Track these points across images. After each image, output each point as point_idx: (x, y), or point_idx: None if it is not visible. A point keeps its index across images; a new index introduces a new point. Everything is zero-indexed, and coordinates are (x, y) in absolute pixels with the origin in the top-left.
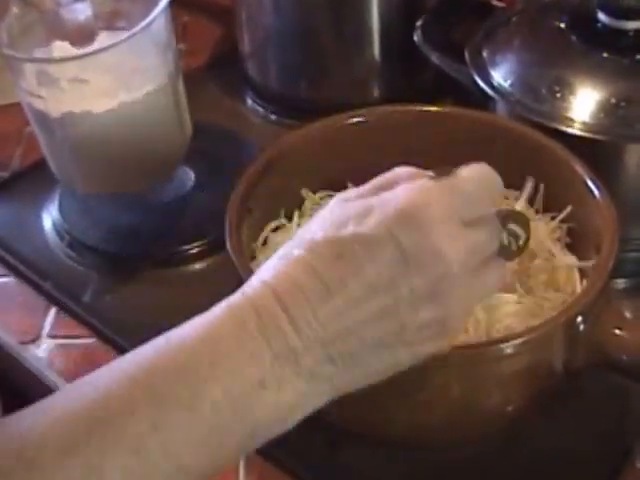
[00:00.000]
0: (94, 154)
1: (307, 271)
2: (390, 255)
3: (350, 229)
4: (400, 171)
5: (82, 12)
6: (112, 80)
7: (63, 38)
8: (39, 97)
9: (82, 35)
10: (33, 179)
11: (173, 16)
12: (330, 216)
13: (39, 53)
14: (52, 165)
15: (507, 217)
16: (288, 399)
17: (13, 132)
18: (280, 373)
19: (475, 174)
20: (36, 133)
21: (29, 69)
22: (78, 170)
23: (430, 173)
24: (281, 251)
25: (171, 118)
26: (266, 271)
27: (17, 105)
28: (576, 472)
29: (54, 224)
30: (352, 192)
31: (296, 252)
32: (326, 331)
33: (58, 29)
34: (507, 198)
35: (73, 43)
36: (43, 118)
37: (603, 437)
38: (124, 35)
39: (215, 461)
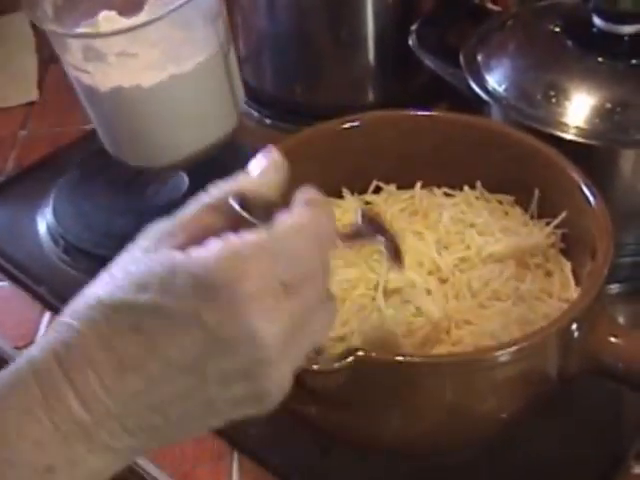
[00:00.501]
0: (145, 127)
1: (100, 343)
2: (194, 335)
3: (151, 297)
4: (212, 214)
5: None
6: (160, 53)
7: (110, 8)
8: (86, 72)
9: (130, 4)
10: (28, 183)
11: None
12: (134, 267)
13: (86, 25)
14: (102, 138)
15: (374, 230)
16: (83, 474)
17: (8, 136)
18: (71, 453)
19: (301, 220)
20: (85, 107)
21: (75, 44)
22: (129, 143)
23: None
24: (77, 302)
25: (222, 88)
26: (57, 334)
27: (11, 108)
28: (570, 478)
29: (49, 228)
30: (164, 230)
31: (91, 312)
32: (120, 407)
33: None
34: (501, 203)
35: (121, 13)
36: (91, 92)
37: (597, 442)
38: (172, 5)
39: None
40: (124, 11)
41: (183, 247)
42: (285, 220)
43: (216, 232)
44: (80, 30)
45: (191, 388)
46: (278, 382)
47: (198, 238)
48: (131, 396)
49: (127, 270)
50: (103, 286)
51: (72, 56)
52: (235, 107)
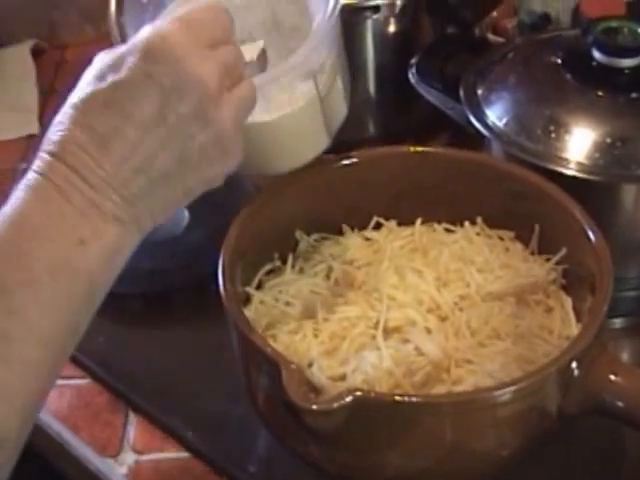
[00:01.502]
0: None
1: (83, 129)
2: (152, 92)
3: (109, 79)
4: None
5: None
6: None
7: None
8: None
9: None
10: None
11: None
12: (91, 72)
13: None
14: None
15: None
16: (108, 244)
17: (7, 169)
18: (91, 226)
19: (203, 5)
20: None
21: None
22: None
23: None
24: (58, 116)
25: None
26: (51, 142)
27: (11, 142)
28: None
29: None
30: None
31: (69, 112)
32: (114, 176)
33: None
34: (502, 239)
35: None
36: None
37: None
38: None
39: (72, 323)
40: None
41: None
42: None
43: None
44: None
45: (162, 140)
46: (229, 121)
47: None
48: (118, 164)
49: (86, 75)
50: (73, 95)
51: None
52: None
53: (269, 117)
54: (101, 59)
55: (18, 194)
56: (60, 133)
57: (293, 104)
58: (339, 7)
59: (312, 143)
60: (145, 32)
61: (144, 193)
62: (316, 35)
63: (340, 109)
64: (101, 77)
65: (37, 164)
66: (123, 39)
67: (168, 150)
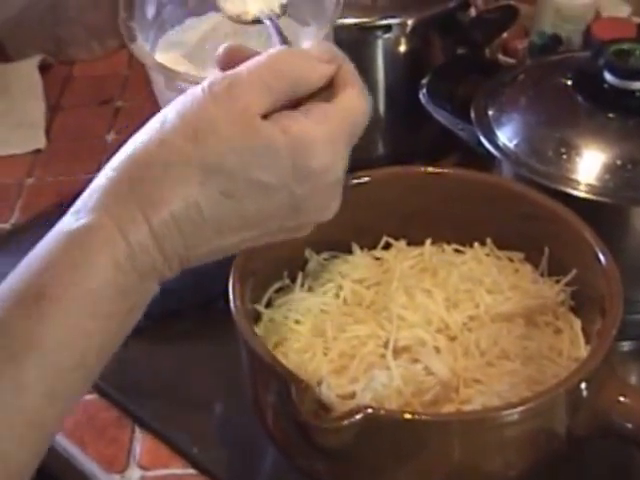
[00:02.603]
0: None
1: (187, 204)
2: (279, 203)
3: (248, 170)
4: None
5: None
6: None
7: (218, 10)
8: (167, 99)
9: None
10: (34, 232)
11: None
12: (231, 136)
13: (189, 24)
14: None
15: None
16: (146, 304)
17: (14, 184)
18: (146, 293)
19: (363, 114)
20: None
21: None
22: None
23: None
24: (165, 159)
25: None
26: (142, 190)
27: (18, 156)
28: None
29: None
30: (248, 88)
31: (182, 174)
32: (189, 253)
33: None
34: (511, 260)
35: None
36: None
37: None
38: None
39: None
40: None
41: (264, 113)
42: (351, 95)
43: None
44: (159, 62)
45: (250, 238)
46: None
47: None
48: (199, 248)
49: (220, 136)
50: (194, 146)
51: (156, 77)
52: None
53: None
54: (251, 118)
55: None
56: (162, 190)
57: None
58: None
59: None
60: (316, 135)
61: (198, 264)
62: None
63: None
64: (243, 161)
65: (112, 208)
66: (132, 40)
67: (248, 242)
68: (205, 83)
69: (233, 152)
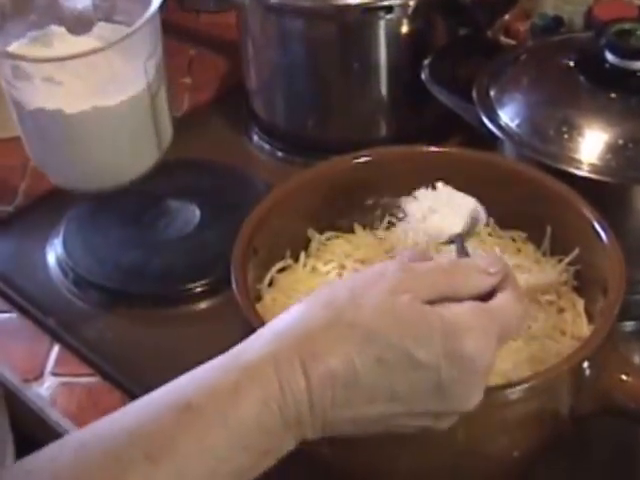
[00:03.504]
0: (63, 151)
1: (345, 360)
2: (427, 379)
3: (406, 340)
4: (473, 268)
5: (81, 1)
6: (85, 86)
7: (60, 23)
8: (14, 87)
9: (80, 23)
10: (37, 214)
11: (179, 50)
12: (392, 306)
13: (31, 37)
14: (27, 149)
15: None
16: (279, 457)
17: (17, 166)
18: (284, 442)
19: (517, 317)
20: (14, 118)
21: (5, 60)
22: (48, 162)
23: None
24: (331, 318)
25: (146, 126)
26: (306, 341)
27: (21, 139)
28: None
29: (58, 260)
30: (418, 281)
31: (344, 334)
32: (335, 414)
33: (55, 14)
34: (514, 239)
35: (70, 30)
36: (18, 107)
37: None
38: (115, 37)
39: None
40: (73, 29)
41: (425, 302)
42: (506, 298)
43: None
44: (7, 50)
45: (393, 415)
46: (449, 424)
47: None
48: (347, 408)
49: (384, 307)
50: (356, 312)
51: (3, 69)
52: (158, 147)
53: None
54: (412, 295)
55: (241, 378)
56: (323, 347)
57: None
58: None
59: (142, 147)
60: (473, 335)
61: (336, 433)
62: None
63: (168, 124)
64: (402, 334)
65: (280, 358)
66: None
67: (389, 422)
68: (388, 265)
69: (395, 324)
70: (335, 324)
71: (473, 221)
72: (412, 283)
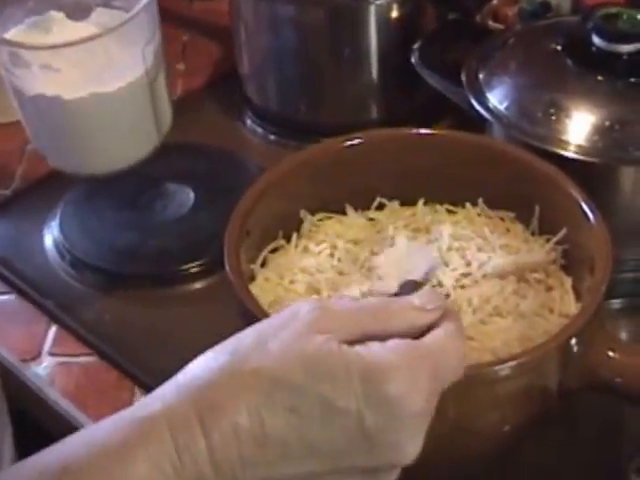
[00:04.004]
0: (63, 136)
1: (250, 412)
2: (348, 430)
3: (320, 386)
4: (394, 310)
5: None
6: (82, 73)
7: (59, 9)
8: (13, 74)
9: (78, 9)
10: (35, 197)
11: (173, 36)
12: (303, 349)
13: (30, 23)
14: (28, 133)
15: None
16: None
17: (15, 150)
18: None
19: (455, 353)
20: (13, 104)
21: (2, 46)
22: (48, 146)
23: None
24: (231, 366)
25: (145, 112)
26: (203, 394)
27: (18, 123)
28: None
29: (55, 242)
30: (337, 319)
31: (246, 383)
32: (246, 474)
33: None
34: (503, 219)
35: (69, 16)
36: (18, 93)
37: (598, 456)
38: (113, 24)
39: None
40: (72, 14)
41: (345, 341)
42: (440, 334)
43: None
44: (4, 36)
45: (315, 474)
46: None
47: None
48: (259, 467)
49: (293, 349)
50: (262, 358)
51: (1, 56)
52: (158, 131)
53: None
54: (318, 332)
55: (131, 433)
56: (223, 397)
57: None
58: None
59: (141, 132)
60: (393, 358)
61: None
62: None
63: (167, 109)
64: (313, 375)
65: (174, 402)
66: None
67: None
68: (301, 305)
69: (306, 368)
70: (237, 372)
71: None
72: (328, 322)
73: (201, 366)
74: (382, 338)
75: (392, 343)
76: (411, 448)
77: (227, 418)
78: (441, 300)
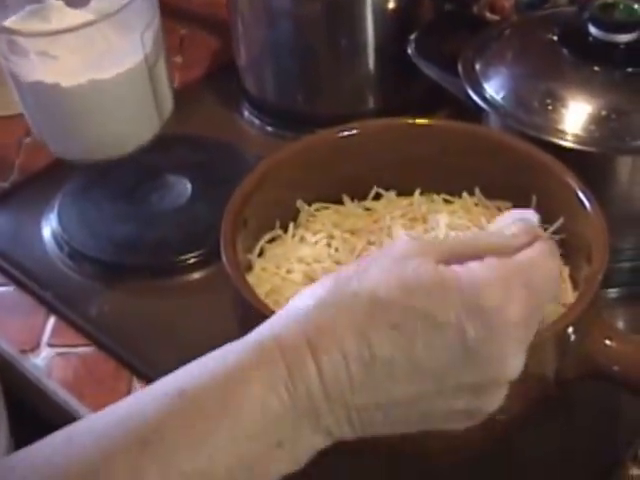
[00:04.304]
0: (63, 123)
1: (355, 332)
2: (451, 344)
3: (419, 301)
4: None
5: None
6: (80, 60)
7: None
8: (11, 62)
9: None
10: (33, 190)
11: (170, 29)
12: (400, 270)
13: (30, 11)
14: (28, 121)
15: None
16: (302, 453)
17: (13, 143)
18: (299, 432)
19: (548, 269)
20: (12, 92)
21: (2, 34)
22: (49, 133)
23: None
24: (334, 290)
25: (145, 98)
26: (309, 318)
27: (17, 116)
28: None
29: (53, 234)
30: (429, 245)
31: (350, 303)
32: (355, 399)
33: None
34: (499, 209)
35: (68, 3)
36: (17, 81)
37: (595, 445)
38: (111, 10)
39: None
40: (71, 1)
41: (445, 262)
42: (533, 252)
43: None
44: (2, 24)
45: (423, 395)
46: (497, 401)
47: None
48: (368, 391)
49: (391, 271)
50: (363, 278)
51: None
52: (159, 117)
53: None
54: (420, 258)
55: (244, 359)
56: (328, 322)
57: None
58: None
59: (142, 118)
60: (487, 282)
61: (371, 425)
62: None
63: (168, 95)
64: (412, 291)
65: (285, 336)
66: None
67: (422, 404)
68: (398, 240)
69: (406, 286)
70: (339, 295)
71: None
72: (424, 248)
73: (307, 293)
74: (477, 259)
75: (487, 260)
76: (513, 361)
77: (334, 341)
78: (533, 230)
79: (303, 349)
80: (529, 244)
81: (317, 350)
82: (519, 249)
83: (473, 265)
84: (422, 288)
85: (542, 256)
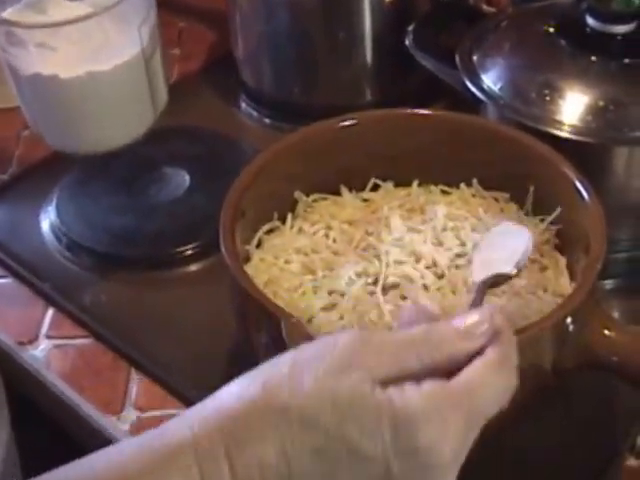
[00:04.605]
0: (60, 115)
1: (277, 450)
2: (373, 477)
3: (347, 428)
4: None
5: None
6: (79, 51)
7: None
8: (9, 54)
9: None
10: (31, 182)
11: (168, 22)
12: (335, 385)
13: (27, 2)
14: (25, 114)
15: None
16: None
17: (11, 135)
18: None
19: (493, 389)
20: (10, 84)
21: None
22: (44, 125)
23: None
24: (263, 397)
25: (141, 90)
26: (232, 427)
27: (15, 109)
28: (566, 469)
29: (52, 226)
30: (373, 352)
31: (275, 421)
32: None
33: None
34: (497, 200)
35: None
36: (14, 73)
37: (593, 435)
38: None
39: None
40: None
41: (381, 380)
42: (479, 370)
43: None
44: (0, 16)
45: None
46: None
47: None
48: None
49: (324, 386)
50: (295, 390)
51: None
52: (154, 110)
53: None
54: (354, 372)
55: (172, 440)
56: (251, 434)
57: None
58: None
59: (137, 110)
60: (422, 404)
61: None
62: None
63: (163, 88)
64: (344, 418)
65: (202, 433)
66: None
67: None
68: (340, 335)
69: (336, 410)
70: (268, 407)
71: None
72: (365, 357)
73: (233, 394)
74: (420, 375)
75: (427, 387)
76: None
77: (253, 453)
78: (491, 322)
79: (220, 457)
80: (484, 346)
81: (234, 460)
82: (470, 354)
83: (412, 394)
84: (354, 414)
85: (490, 373)
